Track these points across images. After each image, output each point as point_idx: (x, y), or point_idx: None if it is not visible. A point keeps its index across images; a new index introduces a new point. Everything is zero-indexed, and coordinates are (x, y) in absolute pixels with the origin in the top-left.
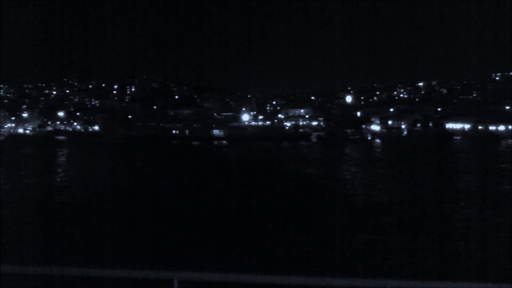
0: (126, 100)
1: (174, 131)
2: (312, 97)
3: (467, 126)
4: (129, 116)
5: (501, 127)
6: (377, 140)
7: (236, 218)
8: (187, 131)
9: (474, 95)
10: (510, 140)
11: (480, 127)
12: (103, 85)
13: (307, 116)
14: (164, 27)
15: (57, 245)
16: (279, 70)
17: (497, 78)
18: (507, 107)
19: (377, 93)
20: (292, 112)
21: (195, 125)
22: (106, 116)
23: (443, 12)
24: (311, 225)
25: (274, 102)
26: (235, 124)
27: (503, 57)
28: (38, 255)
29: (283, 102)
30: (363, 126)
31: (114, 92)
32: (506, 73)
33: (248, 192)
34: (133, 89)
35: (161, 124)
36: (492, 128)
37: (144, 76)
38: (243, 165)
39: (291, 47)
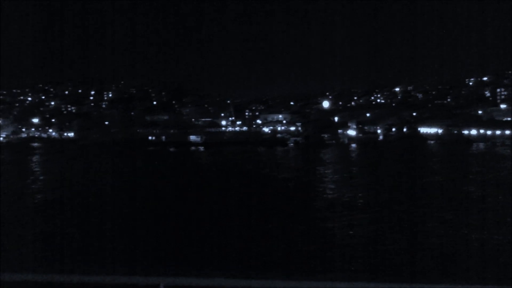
0: (103, 105)
1: (150, 137)
2: (291, 102)
3: (440, 130)
4: (106, 122)
5: (473, 131)
6: (353, 145)
7: (209, 222)
8: (163, 137)
9: (449, 99)
10: (482, 144)
11: (453, 131)
12: (79, 90)
13: (284, 121)
14: (142, 31)
15: (32, 249)
16: (259, 75)
17: (470, 83)
18: (480, 111)
19: (355, 98)
20: (270, 117)
21: (172, 130)
22: (82, 122)
23: (420, 18)
24: (281, 227)
25: (253, 107)
26: (212, 129)
27: (476, 62)
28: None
29: (262, 107)
30: (340, 130)
31: (91, 97)
32: (479, 78)
33: (220, 196)
34: (110, 95)
35: (138, 130)
36: (465, 132)
37: (122, 82)
38: (215, 170)
39: (271, 52)
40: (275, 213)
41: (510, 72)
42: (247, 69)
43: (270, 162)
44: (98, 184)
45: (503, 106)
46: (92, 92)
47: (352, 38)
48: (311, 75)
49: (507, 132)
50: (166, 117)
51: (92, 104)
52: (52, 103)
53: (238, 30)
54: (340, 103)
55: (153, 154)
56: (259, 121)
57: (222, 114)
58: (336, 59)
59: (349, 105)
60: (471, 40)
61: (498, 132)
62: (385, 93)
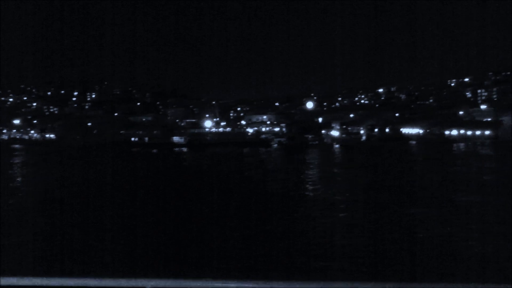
0: (86, 107)
1: (132, 138)
2: (276, 103)
3: (422, 131)
4: (89, 124)
5: (454, 132)
6: (336, 145)
7: (187, 223)
8: (146, 138)
9: (431, 100)
10: (462, 144)
11: (434, 132)
12: (62, 91)
13: (268, 122)
14: (128, 33)
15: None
16: (245, 76)
17: (452, 84)
18: (461, 112)
19: (339, 99)
20: (255, 118)
21: (155, 131)
22: (64, 123)
23: (404, 21)
24: (261, 227)
25: (238, 108)
26: (195, 130)
27: (458, 64)
28: None
29: (247, 108)
30: (324, 131)
31: (74, 99)
32: (461, 80)
33: (200, 197)
34: (93, 96)
35: (121, 132)
36: (446, 132)
37: (105, 83)
38: (196, 171)
39: (257, 54)
40: (253, 214)
41: (490, 73)
42: (233, 70)
43: (252, 163)
44: (75, 187)
45: (483, 106)
46: (75, 93)
47: (336, 41)
48: (297, 77)
49: (487, 132)
50: (149, 118)
51: (75, 105)
52: (34, 104)
53: (225, 32)
54: (325, 104)
55: (135, 156)
56: (243, 122)
57: (207, 115)
58: (321, 61)
59: (333, 106)
60: (453, 42)
61: (478, 132)
62: (369, 94)
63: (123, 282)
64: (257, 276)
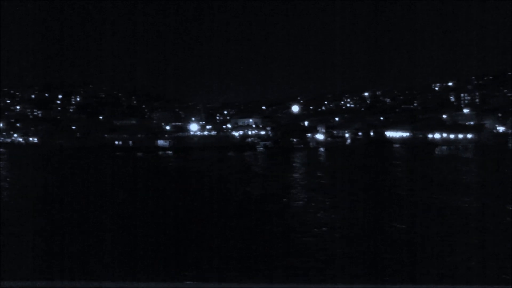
0: (71, 110)
1: (116, 142)
2: (263, 107)
3: (406, 134)
4: (73, 127)
5: (437, 135)
6: (321, 149)
7: (165, 226)
8: (130, 142)
9: (415, 104)
10: (445, 147)
11: (417, 135)
12: (46, 94)
13: (253, 126)
14: (114, 36)
15: None
16: (232, 79)
17: (436, 88)
18: (444, 116)
19: (325, 102)
20: (241, 121)
21: (139, 135)
22: (48, 126)
23: (389, 24)
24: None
25: (225, 112)
26: (180, 134)
27: (442, 68)
28: None
29: (233, 112)
30: (309, 135)
31: (58, 102)
32: (444, 84)
33: (179, 200)
34: (78, 99)
35: (105, 135)
36: (429, 136)
37: (91, 86)
38: (177, 175)
39: (245, 57)
40: (228, 217)
41: (473, 77)
42: (220, 74)
43: (235, 167)
44: (53, 191)
45: (466, 110)
46: (60, 96)
47: (322, 45)
48: (283, 81)
49: (469, 136)
50: (132, 122)
51: (59, 108)
52: (18, 107)
53: (213, 36)
54: (311, 107)
55: (118, 159)
56: (229, 126)
57: (193, 119)
58: (308, 64)
59: (319, 109)
60: (438, 46)
61: (460, 136)
62: (355, 98)
63: (121, 284)
64: (256, 278)
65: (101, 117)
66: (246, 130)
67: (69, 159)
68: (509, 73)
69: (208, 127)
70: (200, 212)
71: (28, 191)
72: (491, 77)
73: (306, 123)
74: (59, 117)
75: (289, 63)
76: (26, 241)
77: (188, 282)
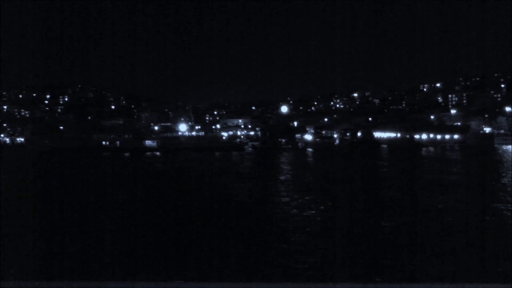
0: (59, 110)
1: (103, 142)
2: (253, 107)
3: (393, 135)
4: (61, 127)
5: (424, 136)
6: (309, 149)
7: (143, 227)
8: (117, 142)
9: (404, 105)
10: (432, 148)
11: (405, 136)
12: (34, 94)
13: (243, 126)
14: (104, 36)
15: None
16: (224, 80)
17: (424, 89)
18: (432, 117)
19: (315, 103)
20: (230, 122)
21: (126, 136)
22: (35, 127)
23: (380, 25)
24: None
25: (215, 112)
26: (168, 134)
27: (431, 69)
28: None
29: (224, 112)
30: (298, 135)
31: (46, 102)
32: (433, 85)
33: (161, 201)
34: (66, 99)
35: (93, 136)
36: (416, 136)
37: (79, 86)
38: (161, 175)
39: (236, 58)
40: (209, 219)
41: (461, 79)
42: (211, 74)
43: (221, 167)
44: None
45: (453, 111)
46: (48, 96)
47: (313, 46)
48: (274, 81)
49: (456, 136)
50: (120, 122)
51: (47, 108)
52: (5, 107)
53: (205, 37)
54: (301, 108)
55: (104, 160)
56: (218, 126)
57: (182, 119)
58: (298, 65)
59: (309, 110)
60: (427, 48)
61: (447, 136)
62: (344, 99)
63: (121, 284)
64: (256, 278)
65: (89, 118)
66: (235, 131)
67: (55, 159)
68: (496, 75)
69: (196, 127)
70: (180, 211)
71: (16, 192)
72: (478, 79)
73: (295, 123)
74: (46, 117)
75: (280, 64)
76: (16, 241)
77: (188, 282)
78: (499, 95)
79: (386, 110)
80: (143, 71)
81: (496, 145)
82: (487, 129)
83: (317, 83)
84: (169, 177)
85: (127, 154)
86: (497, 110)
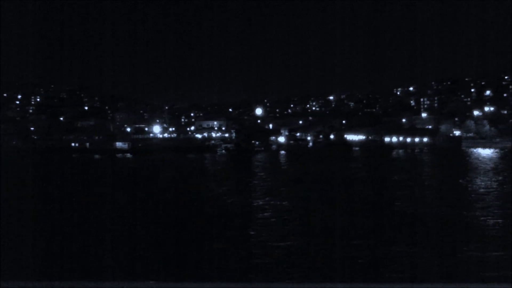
0: (30, 110)
1: (73, 144)
2: (230, 109)
3: (365, 137)
4: (32, 128)
5: (394, 139)
6: (282, 152)
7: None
8: (87, 144)
9: (377, 108)
10: (401, 150)
11: (375, 138)
12: (5, 94)
13: (216, 128)
14: (80, 34)
15: None
16: (202, 81)
17: (398, 93)
18: (404, 120)
19: (292, 105)
20: (205, 123)
21: (97, 137)
22: (5, 127)
23: (357, 29)
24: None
25: (192, 114)
26: (140, 136)
27: (404, 73)
28: None
29: (200, 114)
30: (273, 137)
31: (17, 102)
32: (406, 88)
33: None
34: (38, 99)
35: (63, 137)
36: (387, 139)
37: (52, 86)
38: (127, 177)
39: (215, 58)
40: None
41: (433, 82)
42: (189, 75)
43: (189, 168)
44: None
45: (424, 114)
46: (19, 96)
47: (292, 48)
48: (252, 83)
49: (425, 139)
50: (91, 123)
51: (18, 108)
52: None
53: (184, 37)
54: (277, 110)
55: (71, 162)
56: (193, 128)
57: (158, 120)
58: (275, 67)
59: (285, 112)
60: (402, 50)
61: (417, 139)
62: (320, 101)
63: (120, 284)
64: (255, 278)
65: (61, 118)
66: (210, 133)
67: (22, 161)
68: (467, 79)
69: (171, 129)
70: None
71: None
72: (449, 82)
73: (270, 125)
74: (18, 118)
75: (260, 65)
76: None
77: (187, 282)
78: (469, 99)
79: (360, 113)
80: (120, 71)
81: (463, 148)
82: (457, 132)
83: (294, 85)
84: (130, 178)
85: (97, 156)
86: (467, 113)
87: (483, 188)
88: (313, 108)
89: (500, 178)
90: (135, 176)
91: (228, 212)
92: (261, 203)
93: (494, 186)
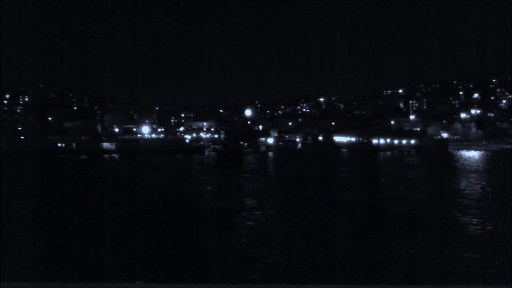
0: (18, 110)
1: (59, 144)
2: (221, 110)
3: (354, 139)
4: (19, 128)
5: (382, 141)
6: (270, 153)
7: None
8: (74, 144)
9: (367, 110)
10: (389, 152)
11: (363, 140)
12: None
13: (205, 129)
14: (70, 34)
15: None
16: (194, 82)
17: (388, 95)
18: (392, 122)
19: (282, 107)
20: (195, 124)
21: (83, 137)
22: None
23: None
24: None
25: (182, 115)
26: (127, 136)
27: (394, 75)
28: None
29: (191, 115)
30: (263, 139)
31: (5, 102)
32: (396, 91)
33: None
34: (26, 99)
35: (49, 137)
36: (374, 141)
37: (41, 86)
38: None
39: (205, 60)
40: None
41: (422, 85)
42: (182, 76)
43: (174, 170)
44: None
45: (412, 117)
46: (7, 96)
47: (285, 50)
48: (243, 85)
49: (412, 141)
50: (78, 123)
51: (6, 108)
52: None
53: (179, 38)
54: (268, 111)
55: (57, 162)
56: (182, 129)
57: (147, 121)
58: (267, 68)
59: (276, 114)
60: (392, 53)
61: (404, 141)
62: (311, 103)
63: (119, 285)
64: (255, 280)
65: (49, 119)
66: (199, 134)
67: (5, 162)
68: (455, 82)
69: (160, 129)
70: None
71: None
72: (438, 85)
73: (260, 127)
74: (5, 118)
75: (252, 67)
76: None
77: (186, 283)
78: (457, 102)
79: (349, 115)
80: (110, 72)
81: (450, 150)
82: (445, 134)
83: (287, 87)
84: (110, 179)
85: (83, 157)
86: (455, 116)
87: (465, 190)
88: (304, 110)
89: (480, 180)
90: (117, 177)
91: (203, 213)
92: (237, 204)
93: (476, 188)
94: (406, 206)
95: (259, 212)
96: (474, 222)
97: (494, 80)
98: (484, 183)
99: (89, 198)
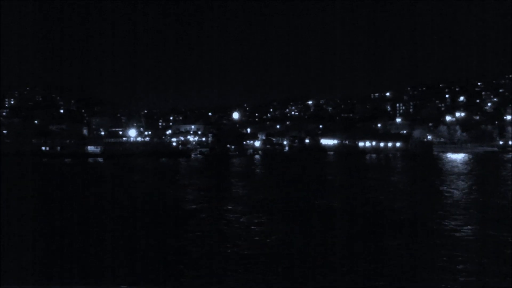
0: (4, 113)
1: (43, 148)
2: (210, 113)
3: (340, 142)
4: (4, 132)
5: (368, 143)
6: (257, 156)
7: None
8: (58, 148)
9: (354, 113)
10: (374, 155)
11: (349, 143)
12: None
13: (193, 132)
14: (57, 36)
15: None
16: (184, 85)
17: (375, 98)
18: (379, 125)
19: (271, 110)
20: (183, 127)
21: (68, 141)
22: None
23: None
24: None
25: (171, 118)
26: (112, 139)
27: (381, 78)
28: None
29: (179, 118)
30: (250, 141)
31: None
32: (383, 94)
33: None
34: (12, 102)
35: (33, 140)
36: (360, 144)
37: (27, 88)
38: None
39: (195, 63)
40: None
41: (409, 88)
42: (173, 78)
43: (155, 173)
44: None
45: (399, 120)
46: None
47: (273, 52)
48: (232, 88)
49: (398, 144)
50: (63, 127)
51: None
52: None
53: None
54: (257, 114)
55: (39, 166)
56: (170, 132)
57: (134, 124)
58: (256, 71)
59: (265, 117)
60: (380, 56)
61: (390, 144)
62: (299, 106)
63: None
64: (255, 280)
65: (36, 122)
66: (186, 136)
67: None
68: (441, 85)
69: (147, 132)
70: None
71: None
72: (424, 88)
73: (248, 130)
74: None
75: (242, 69)
76: None
77: (187, 284)
78: (443, 105)
79: (337, 118)
80: (99, 75)
81: (435, 153)
82: (430, 137)
83: (276, 89)
84: (91, 182)
85: (67, 160)
86: (441, 119)
87: (447, 192)
88: (292, 112)
89: (463, 182)
90: (98, 181)
91: (183, 215)
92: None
93: (456, 190)
94: (380, 209)
95: (232, 215)
96: (453, 225)
97: (479, 83)
98: (466, 184)
99: (54, 203)
